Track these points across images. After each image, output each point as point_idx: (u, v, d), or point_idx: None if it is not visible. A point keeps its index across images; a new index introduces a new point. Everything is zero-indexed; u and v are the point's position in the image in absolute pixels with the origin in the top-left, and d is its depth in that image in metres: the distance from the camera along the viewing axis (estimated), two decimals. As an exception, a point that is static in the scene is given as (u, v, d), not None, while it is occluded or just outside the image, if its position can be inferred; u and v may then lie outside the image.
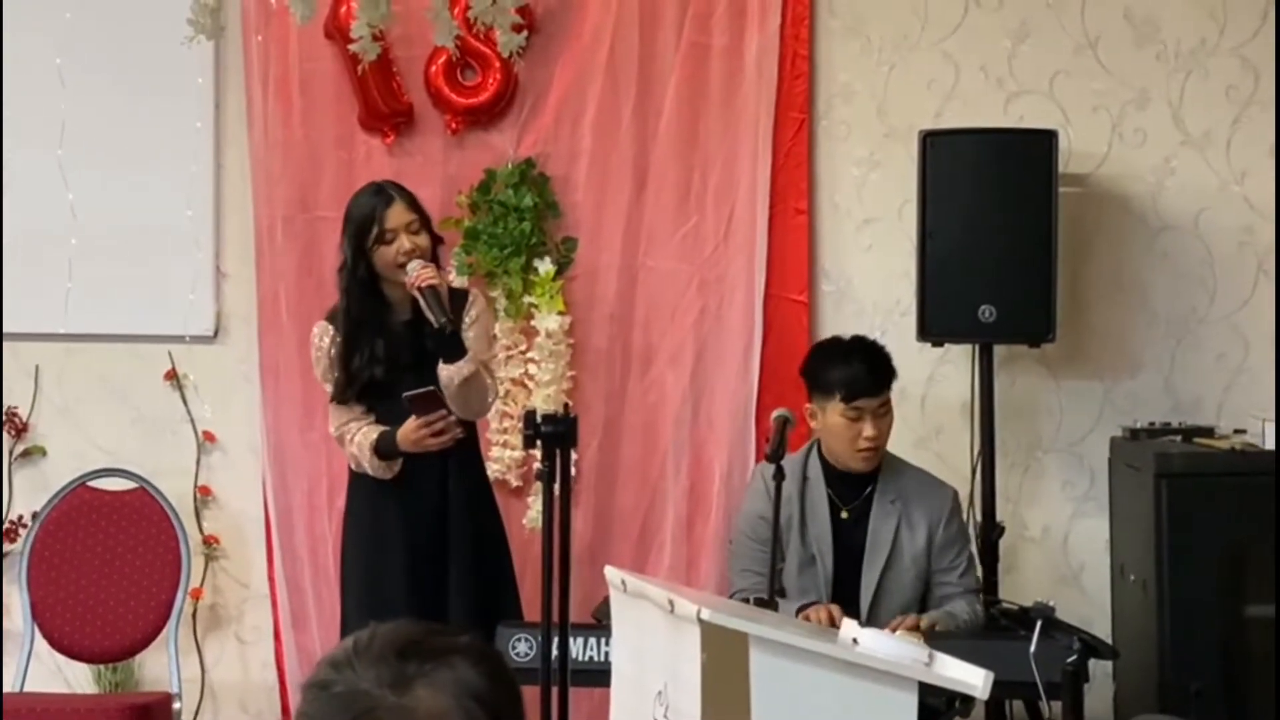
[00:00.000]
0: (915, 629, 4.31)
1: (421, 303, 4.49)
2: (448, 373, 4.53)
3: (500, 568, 4.72)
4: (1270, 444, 4.81)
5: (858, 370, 4.54)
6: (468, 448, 4.69)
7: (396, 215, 4.56)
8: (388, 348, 4.58)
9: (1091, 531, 5.28)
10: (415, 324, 4.60)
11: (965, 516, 5.09)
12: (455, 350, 4.54)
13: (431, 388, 4.51)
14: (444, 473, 4.62)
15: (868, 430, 4.53)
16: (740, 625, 3.02)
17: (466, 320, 4.65)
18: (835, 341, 4.77)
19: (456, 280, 5.13)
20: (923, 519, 4.60)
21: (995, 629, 4.57)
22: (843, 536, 4.61)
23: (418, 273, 4.50)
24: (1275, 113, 5.24)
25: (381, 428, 4.59)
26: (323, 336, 4.64)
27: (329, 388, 4.64)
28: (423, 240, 4.59)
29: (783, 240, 5.32)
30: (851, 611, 4.40)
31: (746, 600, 4.33)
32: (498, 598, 4.65)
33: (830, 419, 4.58)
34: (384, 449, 4.57)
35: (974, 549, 4.80)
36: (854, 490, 4.64)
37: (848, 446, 4.57)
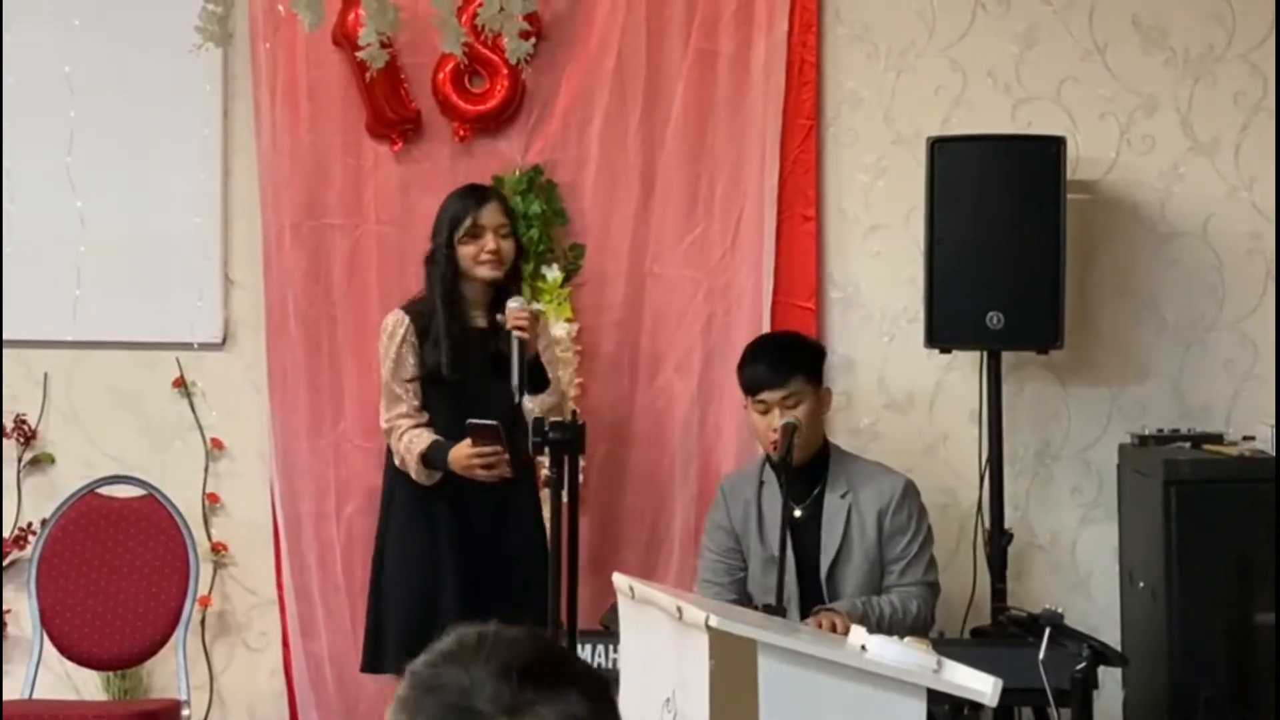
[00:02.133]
0: (834, 628, 4.28)
1: (510, 342, 4.54)
2: (532, 404, 4.65)
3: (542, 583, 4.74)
4: (1279, 450, 4.81)
5: (758, 368, 4.68)
6: (527, 468, 4.76)
7: (489, 214, 4.73)
8: (457, 345, 4.63)
9: (1100, 538, 5.27)
10: (491, 329, 4.69)
11: (974, 524, 5.10)
12: (541, 384, 4.67)
13: (494, 422, 4.56)
14: (505, 493, 4.68)
15: (775, 421, 4.60)
16: (748, 632, 3.02)
17: (542, 344, 4.79)
18: (754, 339, 4.92)
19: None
20: (872, 508, 4.64)
21: (1004, 636, 4.56)
22: (798, 535, 4.64)
23: (515, 314, 4.57)
24: (1282, 119, 5.23)
25: (433, 436, 4.65)
26: (397, 325, 4.73)
27: (391, 376, 4.70)
28: (508, 246, 4.75)
29: (790, 247, 5.32)
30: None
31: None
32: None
33: (751, 416, 4.69)
34: (432, 459, 4.64)
35: (932, 548, 4.70)
36: (805, 488, 4.67)
37: (765, 441, 4.66)
